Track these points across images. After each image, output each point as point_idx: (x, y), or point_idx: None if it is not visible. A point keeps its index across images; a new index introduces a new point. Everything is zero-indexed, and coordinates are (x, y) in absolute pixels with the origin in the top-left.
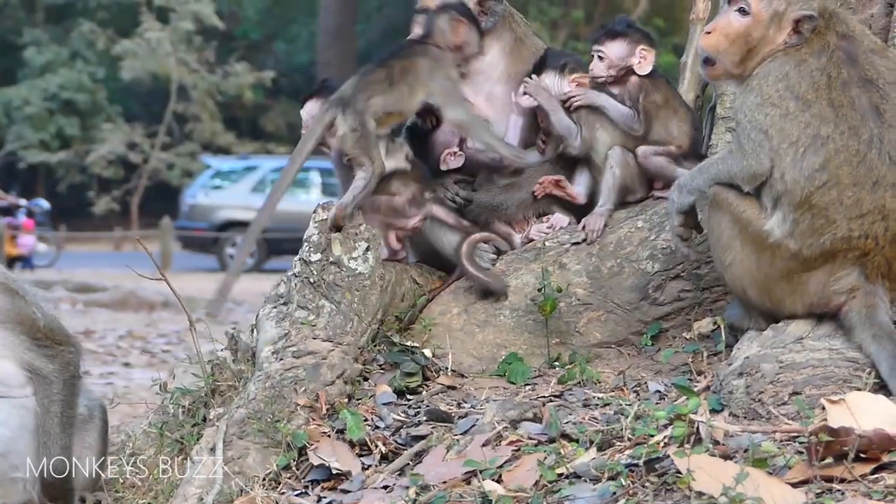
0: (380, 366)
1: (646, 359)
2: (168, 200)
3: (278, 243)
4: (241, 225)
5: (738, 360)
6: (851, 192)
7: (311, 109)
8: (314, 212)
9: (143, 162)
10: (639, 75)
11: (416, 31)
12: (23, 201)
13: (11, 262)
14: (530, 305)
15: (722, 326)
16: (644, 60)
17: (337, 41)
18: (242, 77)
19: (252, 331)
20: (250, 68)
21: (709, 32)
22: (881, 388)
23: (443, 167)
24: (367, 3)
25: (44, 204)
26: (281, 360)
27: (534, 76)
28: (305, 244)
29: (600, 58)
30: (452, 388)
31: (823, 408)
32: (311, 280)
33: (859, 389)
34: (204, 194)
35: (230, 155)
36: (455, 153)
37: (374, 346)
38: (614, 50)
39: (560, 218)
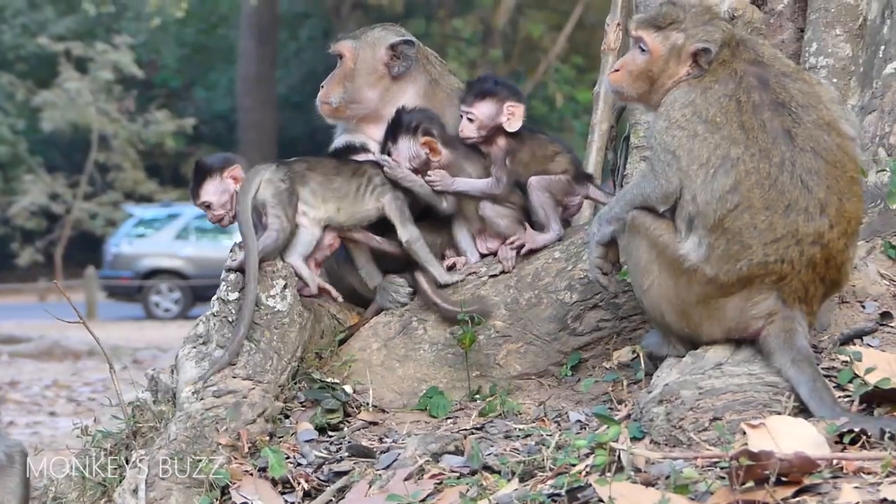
0: (301, 403)
1: (566, 389)
2: (92, 250)
3: (203, 290)
4: (165, 273)
5: (658, 387)
6: (764, 216)
7: (213, 189)
8: (231, 251)
9: (65, 212)
10: (508, 132)
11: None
12: None
13: None
14: (449, 339)
15: (641, 355)
16: (512, 117)
17: (256, 87)
18: (163, 125)
19: (172, 372)
20: (171, 116)
21: (616, 70)
22: (801, 411)
23: None
24: (286, 49)
25: None
26: (201, 399)
27: (390, 142)
28: (223, 283)
29: (470, 119)
30: (374, 423)
31: (744, 432)
32: (230, 319)
33: (779, 413)
34: (127, 243)
35: (153, 203)
36: None
37: (295, 383)
38: (483, 110)
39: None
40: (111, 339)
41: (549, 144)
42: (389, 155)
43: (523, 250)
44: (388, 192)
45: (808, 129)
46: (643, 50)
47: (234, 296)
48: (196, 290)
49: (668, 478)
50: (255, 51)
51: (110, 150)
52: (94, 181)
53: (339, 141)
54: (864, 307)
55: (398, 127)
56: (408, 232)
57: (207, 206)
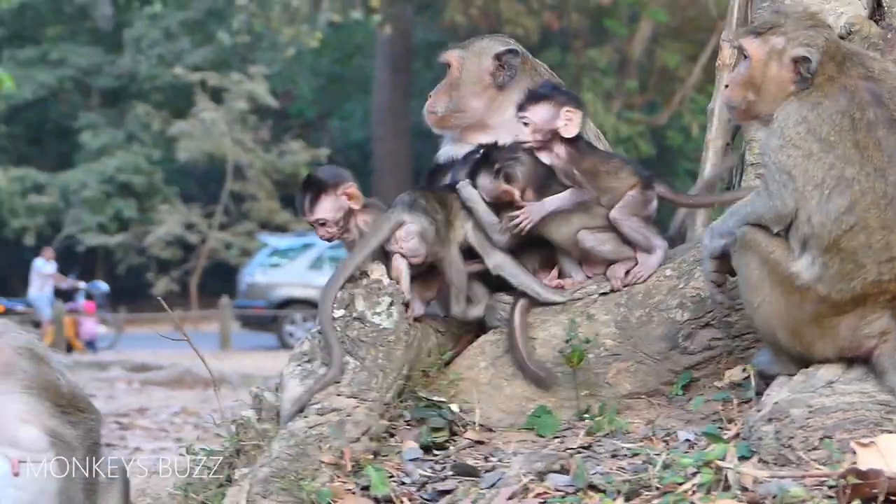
0: (406, 421)
1: (676, 408)
2: (226, 279)
3: None
4: (299, 302)
5: (768, 405)
6: (880, 236)
7: (329, 206)
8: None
9: (200, 242)
10: (564, 138)
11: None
12: (82, 284)
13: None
14: (558, 357)
15: (752, 374)
16: (570, 122)
17: (391, 117)
18: (298, 155)
19: (277, 389)
20: (305, 146)
21: (727, 86)
22: None
23: None
24: (420, 78)
25: (103, 286)
26: (305, 417)
27: (475, 170)
28: None
29: (525, 124)
30: (480, 442)
31: (854, 451)
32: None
33: (890, 432)
34: (262, 273)
35: (287, 233)
36: None
37: (401, 401)
38: (538, 114)
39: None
40: (243, 368)
41: (610, 160)
42: (473, 181)
43: (644, 280)
44: (469, 219)
45: None
46: (745, 57)
47: (339, 313)
48: None
49: (774, 497)
50: (390, 80)
51: (245, 179)
52: (228, 211)
53: (442, 151)
54: None
55: (484, 161)
56: (493, 259)
57: (322, 224)
